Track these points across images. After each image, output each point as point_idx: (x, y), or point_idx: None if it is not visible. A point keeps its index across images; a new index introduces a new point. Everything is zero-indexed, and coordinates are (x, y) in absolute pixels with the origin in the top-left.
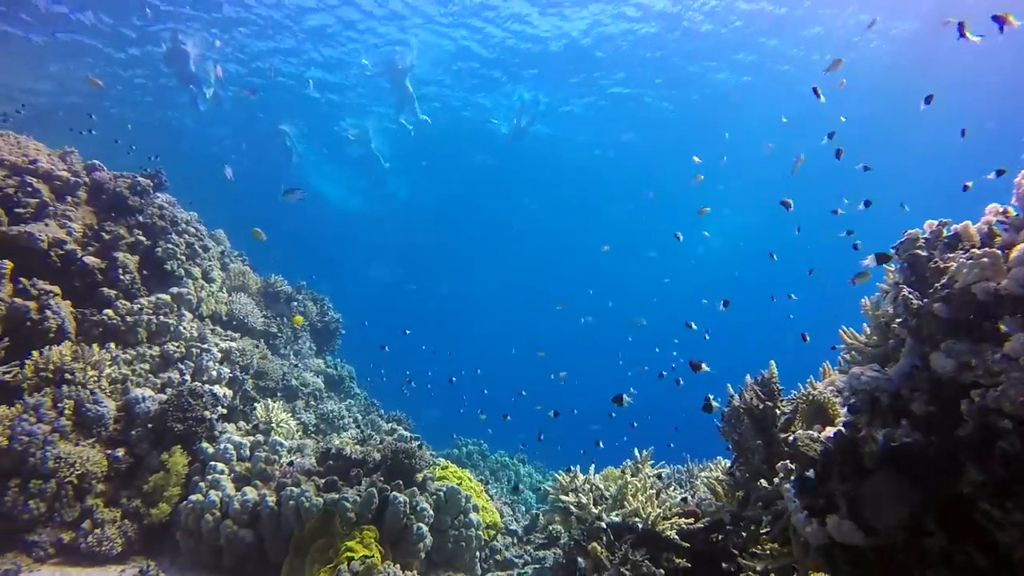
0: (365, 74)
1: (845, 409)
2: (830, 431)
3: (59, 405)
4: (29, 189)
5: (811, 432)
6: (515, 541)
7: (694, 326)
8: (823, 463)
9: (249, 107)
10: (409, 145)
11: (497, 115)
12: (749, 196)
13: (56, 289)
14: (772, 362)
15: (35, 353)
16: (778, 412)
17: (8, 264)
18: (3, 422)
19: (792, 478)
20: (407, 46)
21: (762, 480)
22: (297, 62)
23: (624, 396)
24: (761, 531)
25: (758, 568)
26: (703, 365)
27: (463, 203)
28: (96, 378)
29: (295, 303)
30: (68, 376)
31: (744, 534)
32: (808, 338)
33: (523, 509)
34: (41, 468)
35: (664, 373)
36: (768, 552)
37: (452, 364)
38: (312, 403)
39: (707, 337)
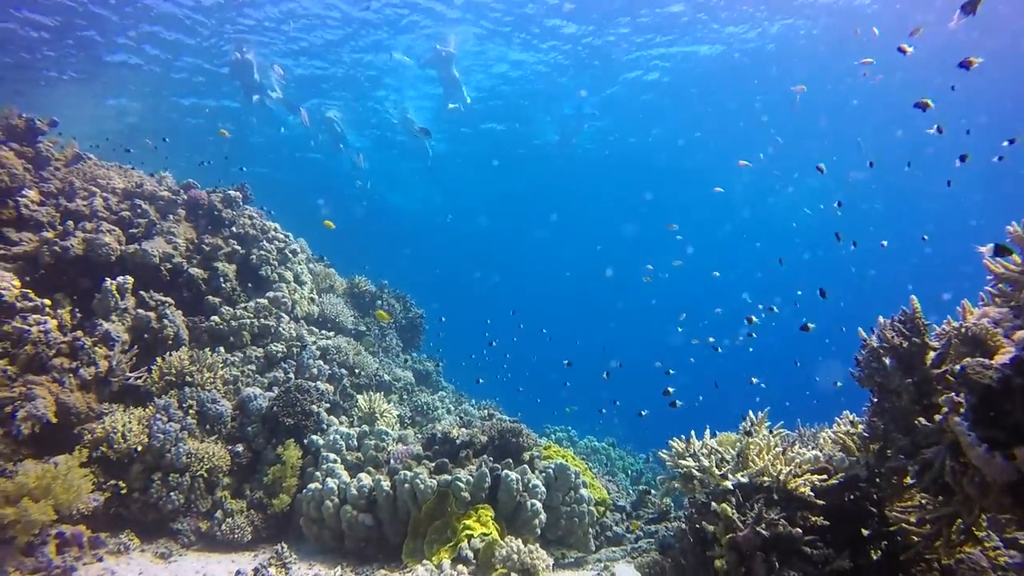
0: (417, 65)
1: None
2: (1005, 356)
3: (184, 405)
4: (139, 210)
5: (982, 359)
6: (624, 517)
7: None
8: (1002, 390)
9: (305, 102)
10: (458, 130)
11: (545, 120)
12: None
13: (170, 300)
14: (913, 297)
15: (159, 359)
16: (927, 349)
17: (130, 279)
18: (142, 422)
19: (962, 411)
20: (448, 34)
21: (920, 419)
22: (342, 50)
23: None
24: (906, 483)
25: (912, 520)
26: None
27: (523, 189)
28: (212, 380)
29: (380, 301)
30: (188, 379)
31: (884, 488)
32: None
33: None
34: (176, 463)
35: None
36: (921, 503)
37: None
38: (405, 397)
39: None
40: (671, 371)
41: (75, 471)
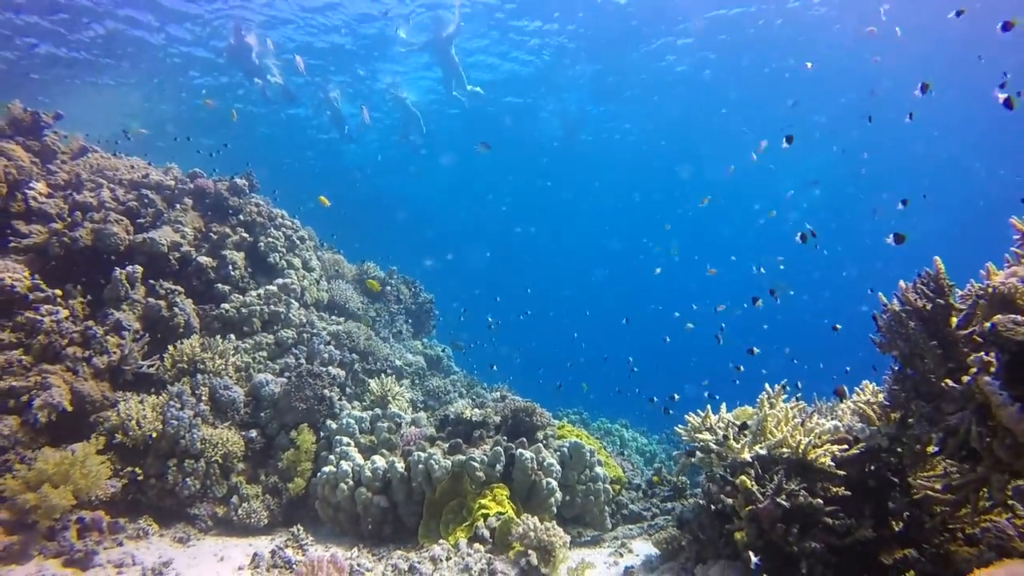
0: (403, 47)
1: None
2: None
3: (197, 392)
4: (146, 200)
5: (1014, 316)
6: (640, 495)
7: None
8: None
9: (308, 85)
10: (457, 119)
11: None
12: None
13: (179, 288)
14: (937, 258)
15: (170, 347)
16: (952, 311)
17: (139, 268)
18: (156, 409)
19: (993, 370)
20: (450, 10)
21: (947, 381)
22: (332, 25)
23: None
24: (928, 451)
25: (937, 487)
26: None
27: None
28: (224, 366)
29: (389, 287)
30: (200, 366)
31: (906, 457)
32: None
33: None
34: (191, 449)
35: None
36: (946, 471)
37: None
38: (417, 381)
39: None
40: (667, 338)
41: (92, 458)
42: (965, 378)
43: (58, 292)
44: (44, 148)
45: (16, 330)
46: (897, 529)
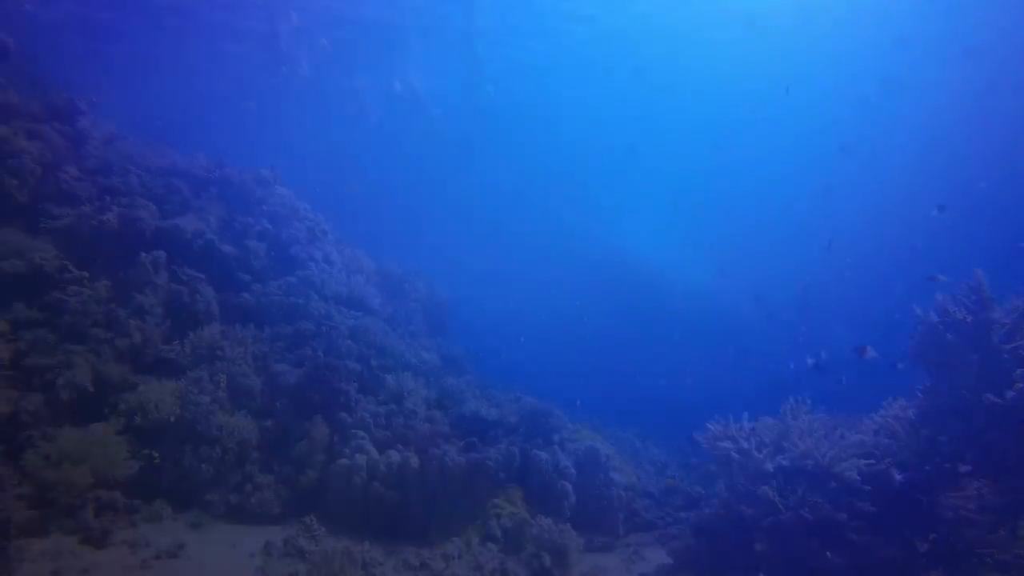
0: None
1: None
2: None
3: (215, 379)
4: (173, 187)
5: None
6: (653, 503)
7: None
8: None
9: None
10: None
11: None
12: None
13: (201, 275)
14: (978, 270)
15: (191, 333)
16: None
17: (163, 254)
18: (174, 394)
19: None
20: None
21: (989, 395)
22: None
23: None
24: (960, 469)
25: (971, 507)
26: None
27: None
28: (243, 355)
29: (407, 284)
30: (219, 353)
31: (935, 475)
32: None
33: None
34: (207, 435)
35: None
36: (979, 492)
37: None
38: (432, 379)
39: None
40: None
41: (111, 438)
42: (1010, 392)
43: (84, 274)
44: (77, 133)
45: (44, 309)
46: (923, 549)
